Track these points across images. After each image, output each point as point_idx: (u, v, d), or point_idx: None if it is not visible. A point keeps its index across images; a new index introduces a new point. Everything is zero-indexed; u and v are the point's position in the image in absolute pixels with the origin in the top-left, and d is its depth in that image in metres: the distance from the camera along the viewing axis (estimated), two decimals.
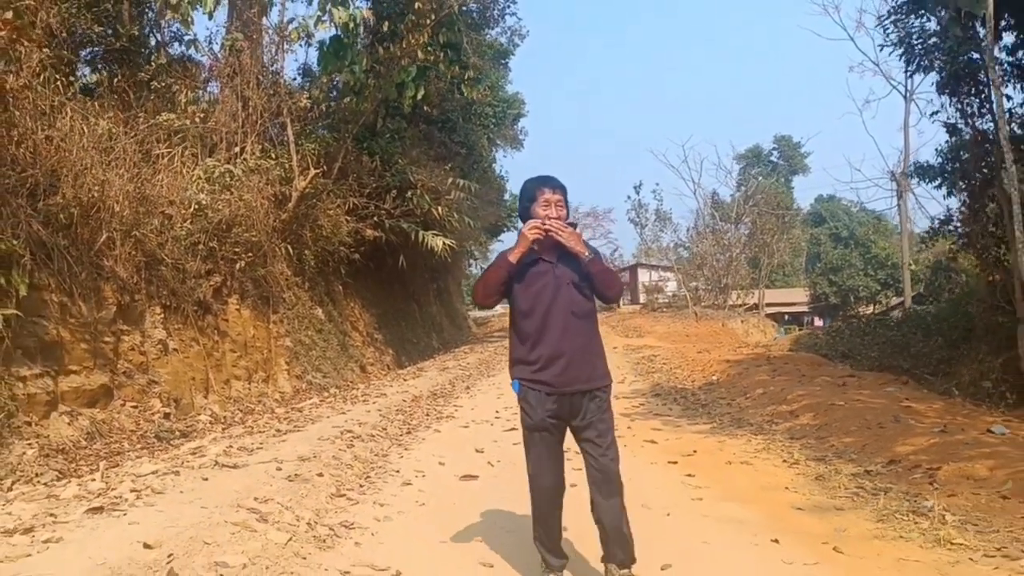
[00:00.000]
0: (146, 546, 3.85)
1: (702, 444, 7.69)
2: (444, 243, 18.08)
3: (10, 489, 5.57)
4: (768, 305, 47.08)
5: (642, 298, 45.35)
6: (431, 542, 4.61)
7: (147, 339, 9.33)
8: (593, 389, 3.83)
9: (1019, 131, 10.22)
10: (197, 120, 11.99)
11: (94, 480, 5.57)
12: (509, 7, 31.36)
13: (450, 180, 19.98)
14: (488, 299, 4.00)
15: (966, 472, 5.61)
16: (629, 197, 54.05)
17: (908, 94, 28.04)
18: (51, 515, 4.47)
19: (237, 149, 13.19)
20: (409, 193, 17.66)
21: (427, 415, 9.98)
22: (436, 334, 26.06)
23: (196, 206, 11.10)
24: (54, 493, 5.15)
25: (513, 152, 42.76)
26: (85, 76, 10.99)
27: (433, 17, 15.39)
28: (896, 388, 9.61)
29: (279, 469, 5.95)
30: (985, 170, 9.65)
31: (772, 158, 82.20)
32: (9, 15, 7.21)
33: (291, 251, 14.40)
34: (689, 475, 6.37)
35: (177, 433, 8.47)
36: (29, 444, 6.82)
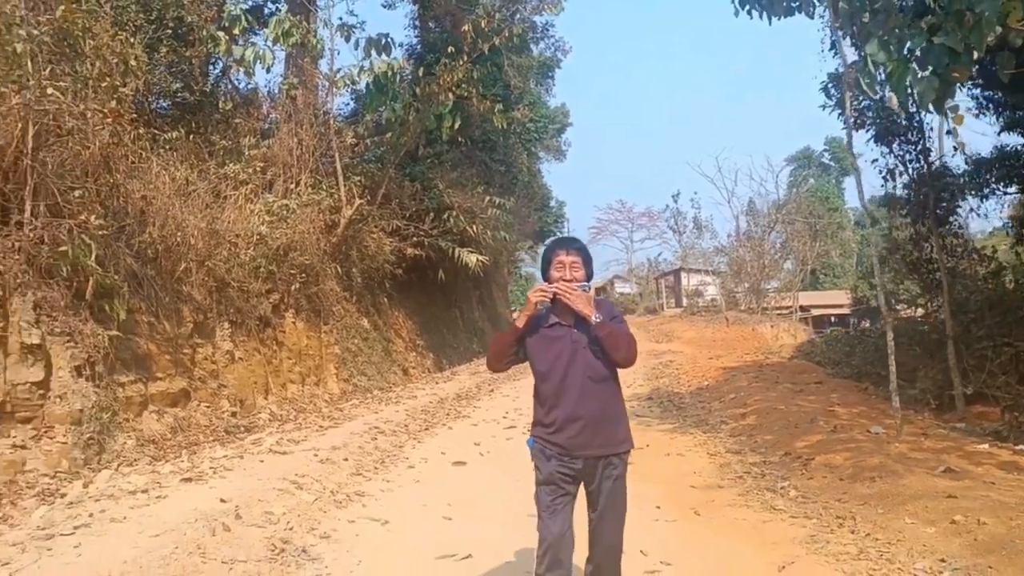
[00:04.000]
0: (221, 500, 5.90)
1: (656, 440, 9.46)
2: (478, 259, 19.94)
3: (118, 469, 7.59)
4: (812, 307, 47.95)
5: (685, 302, 46.72)
6: (416, 505, 6.53)
7: (217, 350, 11.30)
8: (608, 455, 3.77)
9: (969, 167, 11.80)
10: (258, 167, 14.06)
11: (183, 461, 7.60)
12: (548, 30, 32.89)
13: (486, 199, 21.82)
14: (498, 364, 4.00)
15: (829, 461, 7.30)
16: (667, 206, 55.46)
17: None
18: (157, 483, 6.53)
19: (292, 184, 15.27)
20: (446, 214, 19.56)
21: (447, 415, 11.88)
22: (477, 338, 27.95)
23: (258, 236, 13.13)
24: (156, 469, 7.19)
25: (556, 162, 44.53)
26: (166, 132, 13.08)
27: (465, 58, 17.27)
28: (839, 395, 11.20)
29: (315, 455, 7.95)
30: (925, 209, 11.23)
31: (824, 159, 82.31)
32: (113, 104, 9.25)
33: (340, 270, 16.47)
34: (628, 462, 8.18)
35: (242, 428, 10.38)
36: (128, 436, 8.70)
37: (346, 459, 7.94)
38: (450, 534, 5.69)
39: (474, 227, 20.39)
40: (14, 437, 7.22)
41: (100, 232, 8.46)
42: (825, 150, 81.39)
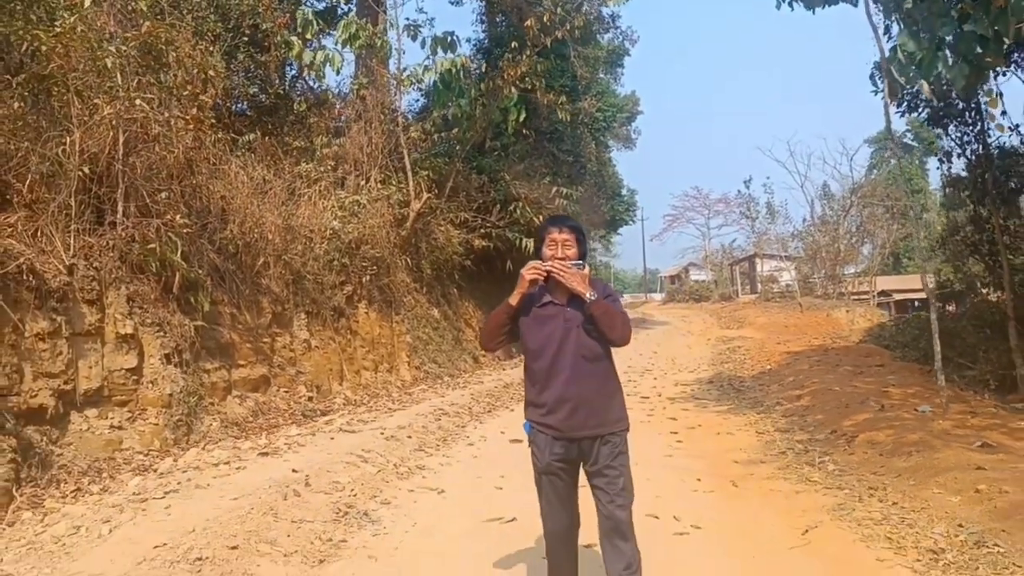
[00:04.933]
0: (293, 471, 6.52)
1: (709, 420, 9.77)
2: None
3: (204, 448, 8.29)
4: (894, 292, 46.84)
5: (759, 289, 46.28)
6: (471, 477, 7.04)
7: (295, 339, 11.99)
8: (605, 434, 3.74)
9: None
10: (330, 165, 14.78)
11: (261, 439, 8.28)
12: (615, 20, 32.91)
13: (553, 190, 22.16)
14: (491, 342, 3.97)
15: (872, 438, 7.52)
16: (739, 191, 54.79)
17: None
18: (237, 457, 7.20)
19: (363, 181, 15.96)
20: (513, 206, 19.97)
21: (511, 398, 12.37)
22: None
23: (331, 231, 13.81)
24: (237, 446, 7.88)
25: (626, 150, 44.48)
26: (244, 134, 13.84)
27: (530, 51, 17.68)
28: (898, 377, 11.29)
29: (382, 433, 8.54)
30: (985, 190, 11.21)
31: (906, 139, 79.99)
32: (194, 111, 9.98)
33: (410, 262, 17.11)
34: (679, 441, 8.57)
35: (318, 412, 11.01)
36: (214, 419, 9.38)
37: (410, 437, 8.51)
38: (500, 502, 6.18)
39: (541, 218, 20.75)
40: (112, 419, 7.90)
41: (185, 230, 9.13)
42: (907, 130, 79.17)
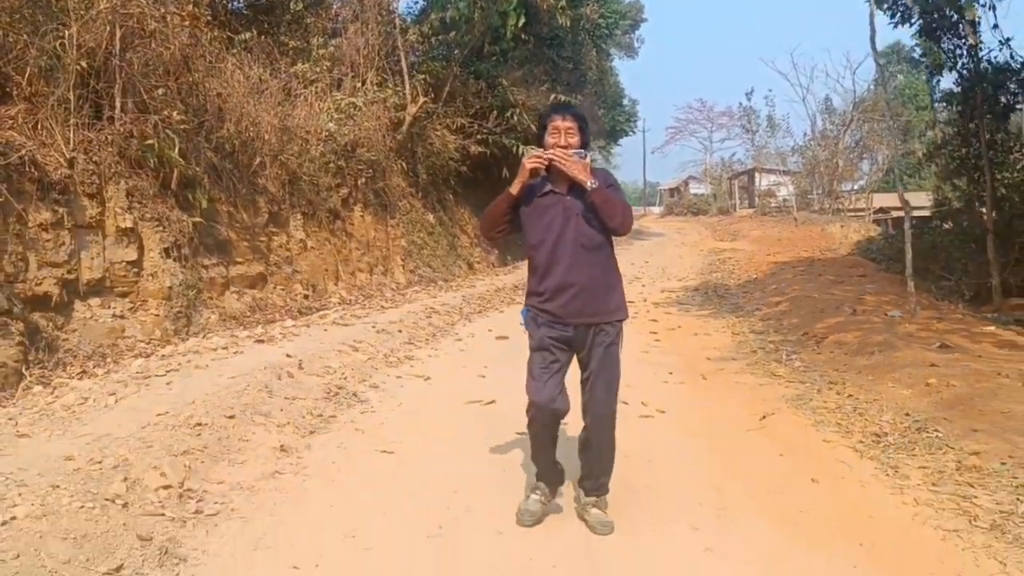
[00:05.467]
0: (288, 356, 6.91)
1: (689, 323, 10.16)
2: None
3: (205, 336, 8.67)
4: (892, 209, 46.84)
5: (757, 203, 46.33)
6: (457, 367, 7.46)
7: (291, 239, 12.24)
8: (601, 323, 3.77)
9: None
10: (326, 66, 14.79)
11: (257, 329, 8.65)
12: None
13: (552, 97, 22.09)
14: (492, 231, 4.01)
15: (840, 339, 7.88)
16: (740, 104, 54.10)
17: None
18: (235, 343, 7.57)
19: (359, 83, 15.97)
20: (510, 112, 19.94)
21: (502, 301, 12.76)
22: None
23: (327, 133, 13.93)
24: (234, 334, 8.25)
25: (628, 59, 43.87)
26: (240, 32, 13.76)
27: None
28: (877, 286, 11.63)
29: (374, 327, 8.92)
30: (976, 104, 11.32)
31: (914, 55, 78.61)
32: (190, 7, 10.01)
33: (405, 167, 17.24)
34: (657, 340, 8.96)
35: (314, 309, 11.32)
36: (212, 312, 9.71)
37: (400, 331, 8.90)
38: (482, 388, 6.58)
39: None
40: (114, 308, 8.20)
41: (182, 127, 9.29)
42: (916, 45, 77.72)
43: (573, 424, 4.09)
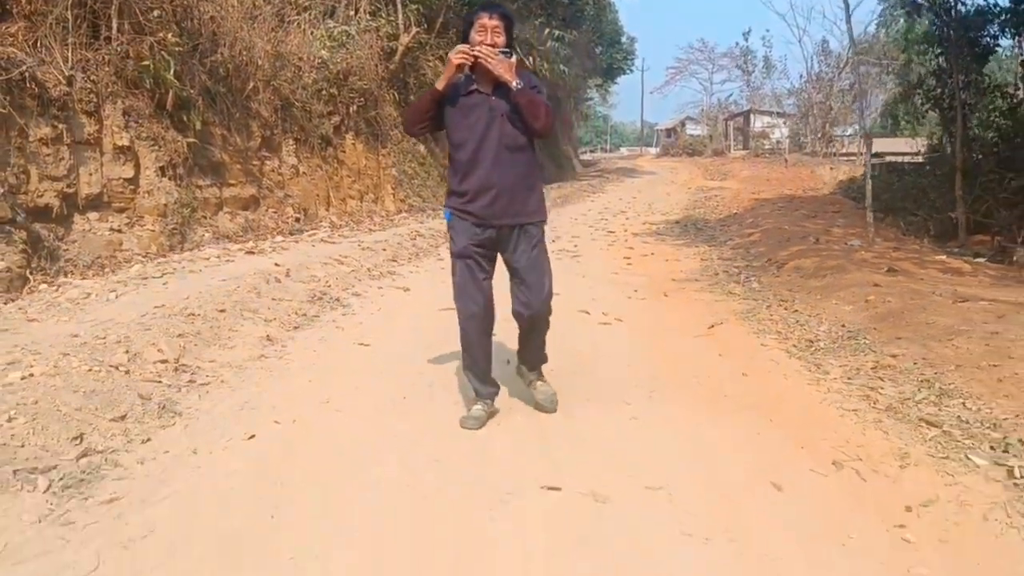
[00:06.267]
0: (276, 265, 7.41)
1: (662, 250, 10.63)
2: None
3: (200, 249, 9.11)
4: (887, 154, 46.97)
5: (752, 145, 46.48)
6: (435, 282, 7.90)
7: (283, 164, 12.59)
8: (524, 224, 3.83)
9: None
10: None
11: (248, 243, 9.11)
12: None
13: (545, 32, 22.28)
14: (415, 126, 3.99)
15: (799, 265, 8.36)
16: (737, 43, 53.72)
17: None
18: (227, 255, 8.06)
19: (352, 12, 16.14)
20: None
21: None
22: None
23: (319, 60, 14.18)
24: (226, 247, 8.71)
25: None
26: None
27: None
28: (848, 220, 12.10)
29: (359, 245, 9.41)
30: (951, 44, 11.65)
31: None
32: None
33: (397, 96, 17.49)
34: (629, 263, 9.45)
35: (305, 232, 11.83)
36: (206, 231, 10.12)
37: (385, 250, 9.39)
38: None
39: (531, 59, 20.97)
40: (111, 222, 8.60)
41: (177, 49, 9.58)
42: None
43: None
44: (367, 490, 3.13)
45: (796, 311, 6.56)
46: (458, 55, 3.61)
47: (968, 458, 3.45)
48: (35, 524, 2.65)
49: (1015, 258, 8.90)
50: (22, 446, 3.09)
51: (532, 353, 4.18)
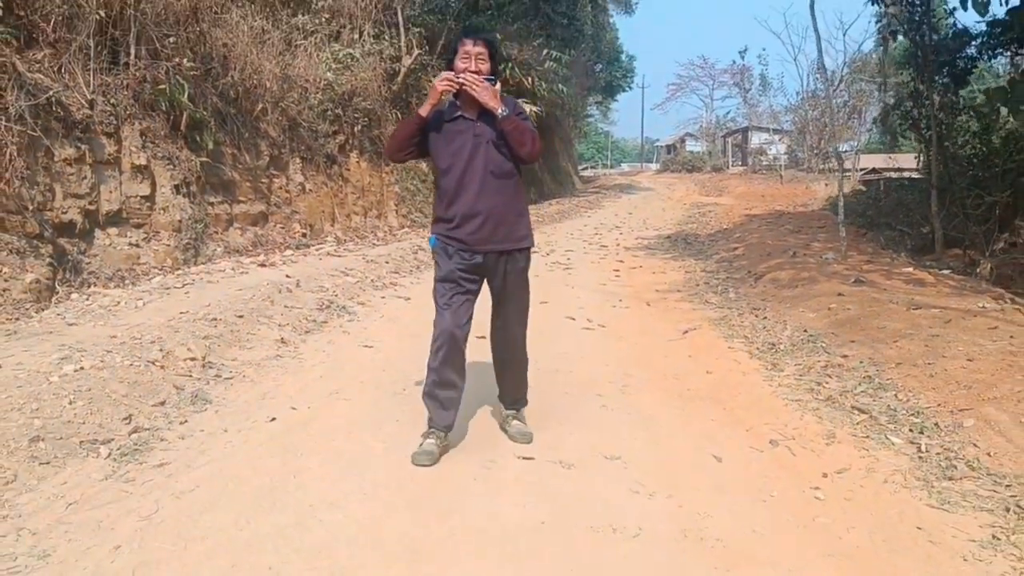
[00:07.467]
0: (287, 276, 8.03)
1: (651, 263, 11.23)
2: (531, 110, 21.30)
3: (213, 263, 9.69)
4: (884, 170, 47.57)
5: (750, 161, 47.15)
6: None
7: (290, 181, 13.17)
8: (510, 251, 3.82)
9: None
10: (325, 18, 15.64)
11: (260, 257, 9.71)
12: None
13: (544, 52, 22.88)
14: (398, 153, 3.90)
15: (775, 277, 8.93)
16: (734, 62, 54.50)
17: None
18: (240, 267, 8.66)
19: (356, 35, 16.81)
20: (502, 66, 20.67)
21: None
22: (535, 188, 29.56)
23: (325, 82, 14.80)
24: (239, 261, 9.32)
25: (624, 15, 44.48)
26: None
27: None
28: (830, 235, 12.66)
29: (364, 258, 10.03)
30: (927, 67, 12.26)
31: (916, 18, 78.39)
32: None
33: (400, 116, 18.07)
34: (617, 275, 10.05)
35: (311, 247, 12.40)
36: (218, 245, 10.67)
37: (388, 263, 10.01)
38: None
39: (530, 79, 21.59)
40: (130, 237, 9.16)
41: (191, 73, 10.19)
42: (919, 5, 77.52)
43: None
44: (372, 459, 3.73)
45: (765, 318, 7.14)
46: (443, 82, 3.64)
47: (887, 438, 4.03)
48: (102, 481, 3.27)
49: (978, 270, 9.47)
50: (83, 423, 3.70)
51: (510, 386, 4.18)
